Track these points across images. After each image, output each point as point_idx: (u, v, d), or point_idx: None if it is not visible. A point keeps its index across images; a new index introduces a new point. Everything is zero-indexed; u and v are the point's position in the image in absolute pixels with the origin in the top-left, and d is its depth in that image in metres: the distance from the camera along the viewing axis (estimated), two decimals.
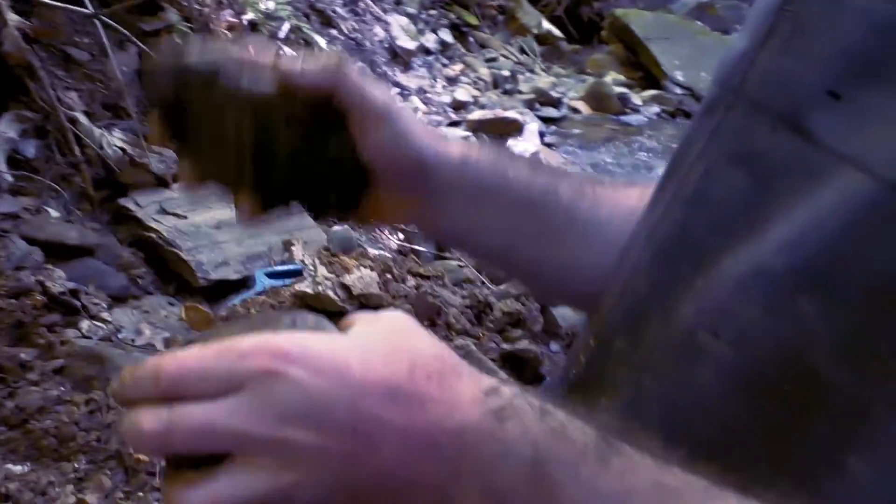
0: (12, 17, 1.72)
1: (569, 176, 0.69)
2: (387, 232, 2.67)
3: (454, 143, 0.64)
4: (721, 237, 0.43)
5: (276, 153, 0.60)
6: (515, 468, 0.37)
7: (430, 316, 1.48)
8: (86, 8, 1.82)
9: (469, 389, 0.39)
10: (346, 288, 1.40)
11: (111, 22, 1.92)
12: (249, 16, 2.59)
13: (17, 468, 1.31)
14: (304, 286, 1.41)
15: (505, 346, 1.49)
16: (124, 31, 1.94)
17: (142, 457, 1.37)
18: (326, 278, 1.41)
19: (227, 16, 2.55)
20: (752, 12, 0.47)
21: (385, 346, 0.40)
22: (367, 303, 1.40)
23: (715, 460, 0.40)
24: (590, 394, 0.50)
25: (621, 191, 0.67)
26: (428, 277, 1.61)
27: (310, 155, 0.61)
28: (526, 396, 0.40)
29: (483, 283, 2.25)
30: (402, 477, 0.38)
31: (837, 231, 0.37)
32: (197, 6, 2.32)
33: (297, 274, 1.61)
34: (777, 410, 0.39)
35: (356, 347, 0.39)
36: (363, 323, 0.42)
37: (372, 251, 2.35)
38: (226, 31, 2.54)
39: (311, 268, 1.44)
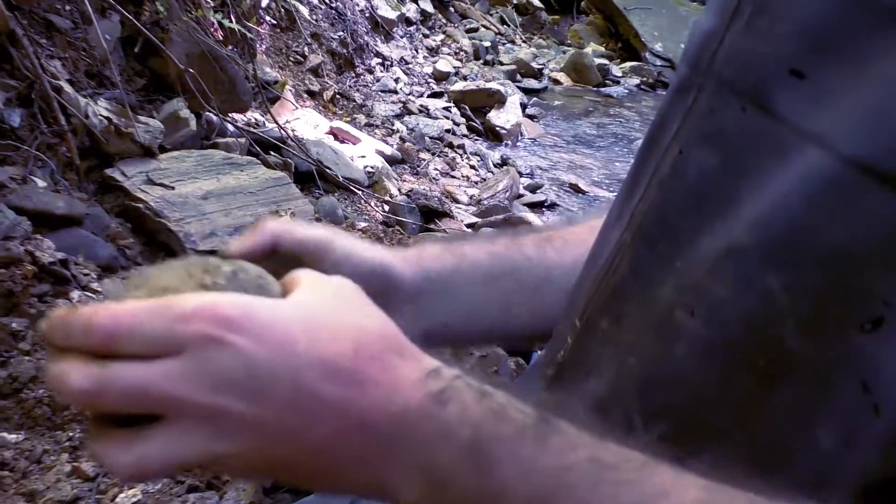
0: None
1: (526, 234, 0.68)
2: (372, 203, 2.67)
3: (399, 252, 0.62)
4: (697, 217, 0.43)
5: None
6: (455, 448, 0.38)
7: None
8: None
9: (411, 371, 0.39)
10: None
11: None
12: None
13: (12, 437, 1.31)
14: None
15: None
16: None
17: None
18: None
19: None
20: None
21: (331, 319, 0.40)
22: None
23: (692, 433, 0.42)
24: (577, 373, 0.51)
25: (578, 231, 0.67)
26: None
27: None
28: (467, 378, 0.40)
29: None
30: (338, 455, 0.38)
31: (800, 207, 0.38)
32: None
33: None
34: (748, 383, 0.40)
35: (302, 318, 0.39)
36: (309, 287, 0.42)
37: (359, 223, 2.36)
38: (208, 1, 2.51)
39: None
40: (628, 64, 5.32)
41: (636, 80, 5.12)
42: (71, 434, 1.34)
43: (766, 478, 0.38)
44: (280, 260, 0.55)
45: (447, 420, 0.38)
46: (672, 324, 0.43)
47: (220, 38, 2.50)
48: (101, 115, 1.87)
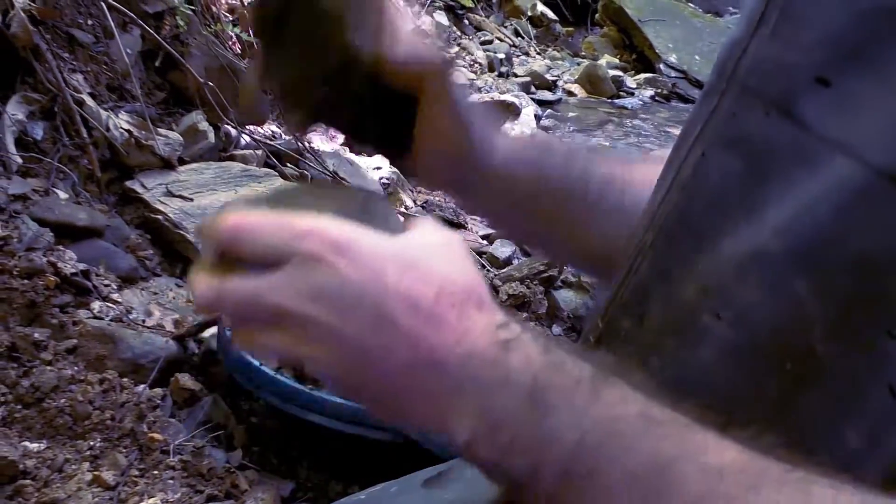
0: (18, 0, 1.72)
1: (601, 160, 0.72)
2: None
3: (502, 135, 0.67)
4: (719, 219, 0.44)
5: (343, 92, 0.63)
6: (514, 394, 0.40)
7: None
8: None
9: (484, 321, 0.42)
10: None
11: (115, 3, 1.92)
12: None
13: (34, 445, 1.33)
14: None
15: None
16: (128, 12, 1.94)
17: (156, 436, 1.39)
18: None
19: None
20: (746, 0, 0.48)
21: (425, 264, 0.43)
22: None
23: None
24: None
25: (642, 170, 0.70)
26: None
27: (370, 98, 0.63)
28: (533, 333, 0.43)
29: (483, 266, 2.28)
30: (406, 385, 0.41)
31: (828, 215, 0.38)
32: None
33: None
34: (776, 387, 0.41)
35: (399, 256, 0.42)
36: (421, 232, 0.46)
37: None
38: (226, 14, 2.54)
39: None
40: (643, 75, 5.32)
41: (650, 92, 5.11)
42: (92, 443, 1.36)
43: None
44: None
45: (510, 367, 0.41)
46: (697, 326, 0.44)
47: (238, 51, 2.53)
48: (121, 128, 1.90)
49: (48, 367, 1.41)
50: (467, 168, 0.65)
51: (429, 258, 0.44)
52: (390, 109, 0.65)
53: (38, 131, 1.77)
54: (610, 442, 0.39)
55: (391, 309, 0.41)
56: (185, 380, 1.54)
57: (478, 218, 2.97)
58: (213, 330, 1.60)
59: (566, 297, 2.01)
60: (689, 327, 0.44)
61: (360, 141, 0.70)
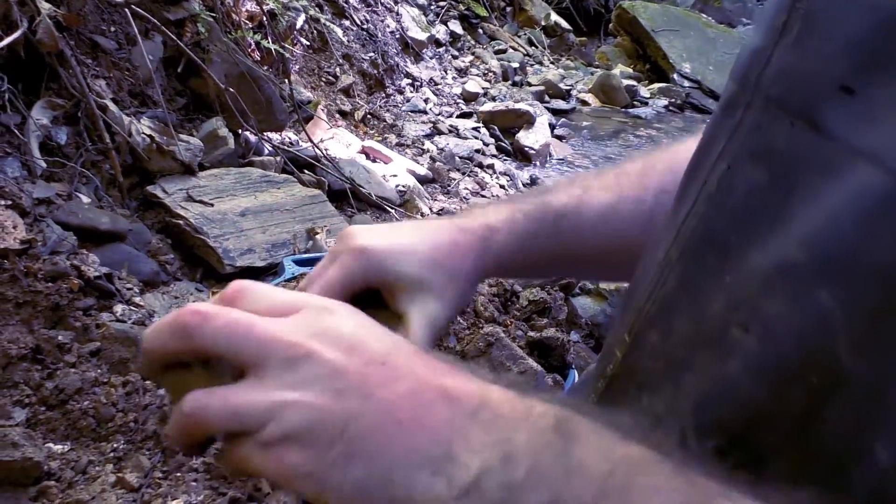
0: (44, 6, 1.74)
1: (592, 179, 0.73)
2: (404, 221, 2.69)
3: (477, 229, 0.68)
4: (745, 232, 0.43)
5: None
6: (536, 425, 0.39)
7: None
8: None
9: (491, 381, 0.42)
10: None
11: (139, 10, 1.94)
12: (269, 5, 2.61)
13: (58, 447, 1.33)
14: None
15: (532, 333, 1.51)
16: (152, 18, 1.95)
17: None
18: None
19: (248, 5, 2.56)
20: (765, 8, 0.47)
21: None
22: None
23: (745, 449, 0.42)
24: (628, 387, 0.51)
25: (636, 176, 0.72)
26: None
27: None
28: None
29: None
30: (411, 411, 0.40)
31: (852, 224, 0.38)
32: None
33: None
34: (802, 400, 0.40)
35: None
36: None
37: None
38: (246, 21, 2.56)
39: None
40: (656, 85, 5.33)
41: (664, 102, 5.12)
42: (115, 445, 1.37)
43: (823, 495, 0.38)
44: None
45: (532, 410, 0.40)
46: (727, 339, 0.43)
47: (258, 58, 2.54)
48: (143, 133, 1.91)
49: (72, 370, 1.42)
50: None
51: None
52: None
53: (61, 136, 1.78)
54: (639, 479, 0.37)
55: (404, 353, 0.42)
56: None
57: None
58: None
59: (584, 304, 2.01)
60: (717, 341, 0.44)
61: None
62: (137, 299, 1.64)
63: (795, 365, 0.40)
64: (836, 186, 0.39)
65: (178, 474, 1.36)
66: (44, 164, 1.72)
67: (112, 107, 1.87)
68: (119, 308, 1.58)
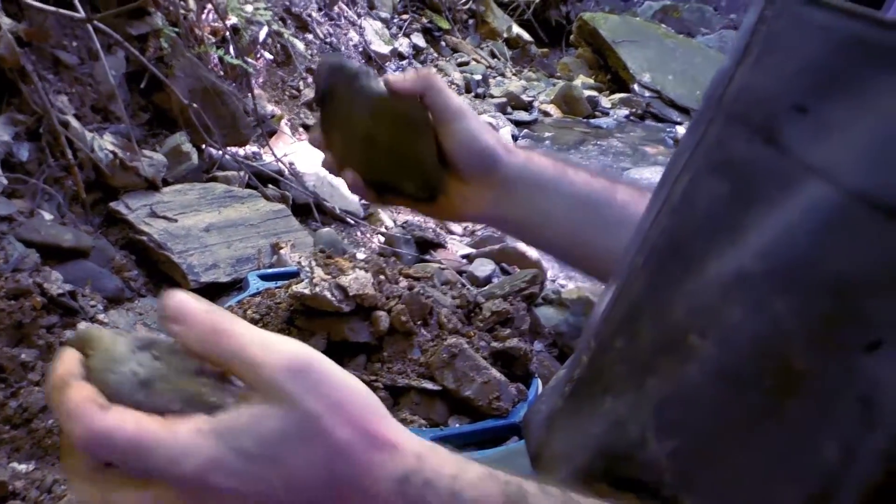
0: (5, 21, 1.73)
1: (623, 183, 0.79)
2: (369, 235, 2.71)
3: (512, 146, 0.78)
4: (706, 242, 0.45)
5: (379, 142, 0.78)
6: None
7: (423, 315, 1.52)
8: (77, 12, 1.83)
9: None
10: (342, 289, 1.43)
11: (101, 25, 1.94)
12: (232, 20, 2.61)
13: (22, 466, 1.32)
14: (301, 287, 1.44)
15: (495, 344, 1.53)
16: (114, 34, 1.95)
17: None
18: (323, 279, 1.44)
19: (211, 20, 2.57)
20: (738, 32, 0.50)
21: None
22: (363, 303, 1.43)
23: (703, 450, 0.45)
24: (593, 391, 0.53)
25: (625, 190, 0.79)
26: (419, 279, 1.65)
27: (402, 147, 0.78)
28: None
29: (464, 284, 2.30)
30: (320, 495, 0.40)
31: (805, 238, 0.40)
32: (182, 11, 2.33)
33: (291, 276, 1.64)
34: (758, 402, 0.42)
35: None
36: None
37: (359, 254, 2.39)
38: (209, 36, 2.56)
39: (308, 269, 1.47)
40: (617, 95, 5.40)
41: (625, 112, 5.19)
42: None
43: (776, 493, 0.41)
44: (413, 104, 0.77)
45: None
46: (686, 346, 0.45)
47: (221, 73, 2.55)
48: (106, 149, 1.91)
49: (36, 388, 1.41)
50: (494, 165, 0.77)
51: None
52: (425, 168, 0.81)
53: (23, 152, 1.78)
54: None
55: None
56: None
57: (456, 237, 3.00)
58: None
59: (547, 314, 2.04)
60: (678, 346, 0.46)
61: (397, 200, 0.86)
62: (101, 316, 1.64)
63: (751, 370, 0.42)
64: (791, 200, 0.41)
65: None
66: (5, 181, 1.71)
67: (74, 122, 1.86)
68: (83, 325, 1.58)
